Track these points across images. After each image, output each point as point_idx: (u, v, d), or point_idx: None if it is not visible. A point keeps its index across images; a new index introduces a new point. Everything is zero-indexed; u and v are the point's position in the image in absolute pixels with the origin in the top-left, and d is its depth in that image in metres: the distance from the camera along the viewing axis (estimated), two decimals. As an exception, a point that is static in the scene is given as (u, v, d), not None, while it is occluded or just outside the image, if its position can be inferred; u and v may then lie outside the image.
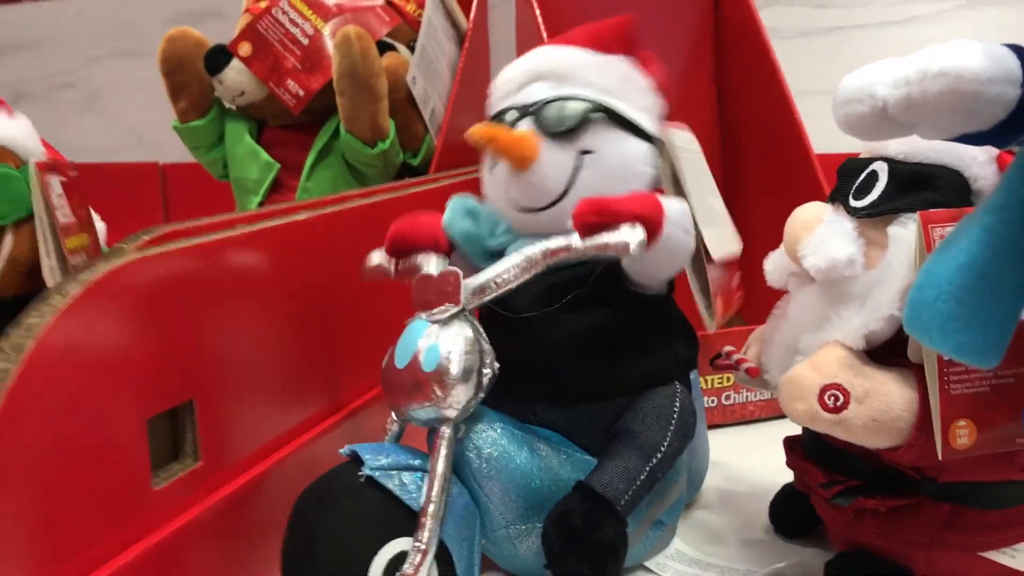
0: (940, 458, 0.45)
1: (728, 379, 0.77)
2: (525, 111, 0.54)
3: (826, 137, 0.86)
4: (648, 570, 0.55)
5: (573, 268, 0.51)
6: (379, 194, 0.71)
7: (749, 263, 0.85)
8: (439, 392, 0.47)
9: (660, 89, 0.57)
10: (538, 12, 0.83)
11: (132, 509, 0.44)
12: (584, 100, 0.53)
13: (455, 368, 0.47)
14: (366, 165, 0.91)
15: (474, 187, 0.84)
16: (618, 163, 0.53)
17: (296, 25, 0.91)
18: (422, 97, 0.95)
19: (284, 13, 0.91)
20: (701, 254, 0.56)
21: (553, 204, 0.53)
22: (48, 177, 0.55)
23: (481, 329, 0.49)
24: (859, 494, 0.50)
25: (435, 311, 0.49)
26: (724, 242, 0.58)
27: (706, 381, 0.76)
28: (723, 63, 0.99)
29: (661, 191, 0.55)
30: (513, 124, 0.54)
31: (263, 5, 0.93)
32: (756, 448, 0.73)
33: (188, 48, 0.93)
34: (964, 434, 0.45)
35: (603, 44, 0.56)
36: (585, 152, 0.53)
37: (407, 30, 0.99)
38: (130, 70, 1.41)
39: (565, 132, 0.52)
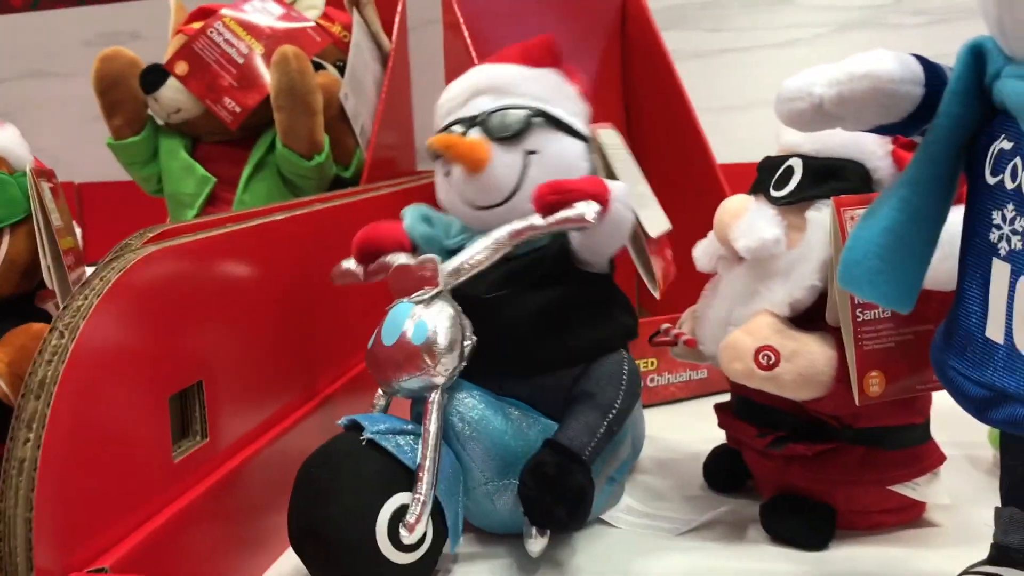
0: (857, 404, 0.53)
1: (652, 363, 0.85)
2: (473, 121, 0.61)
3: (719, 148, 0.96)
4: (604, 522, 0.62)
5: (528, 253, 0.59)
6: (338, 199, 0.77)
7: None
8: (429, 362, 0.53)
9: (584, 95, 0.65)
10: (468, 39, 0.89)
11: (158, 480, 0.48)
12: (525, 108, 0.60)
13: (442, 340, 0.53)
14: (302, 178, 0.96)
15: (403, 196, 0.90)
16: (559, 160, 0.61)
17: (231, 45, 0.96)
18: (353, 113, 1.00)
19: (219, 34, 0.96)
20: (639, 234, 0.63)
21: (506, 201, 0.60)
22: (42, 182, 0.58)
23: (459, 307, 0.56)
24: (790, 441, 0.58)
25: (416, 295, 0.55)
26: (657, 221, 0.66)
27: (634, 364, 0.83)
28: (629, 82, 1.08)
29: None
30: (463, 134, 0.60)
31: (196, 27, 0.97)
32: (681, 424, 0.81)
33: (122, 67, 0.96)
34: (876, 383, 0.54)
35: (534, 59, 0.64)
36: (530, 152, 0.60)
37: (334, 50, 1.05)
38: (45, 90, 1.41)
39: (511, 136, 0.60)
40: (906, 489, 0.58)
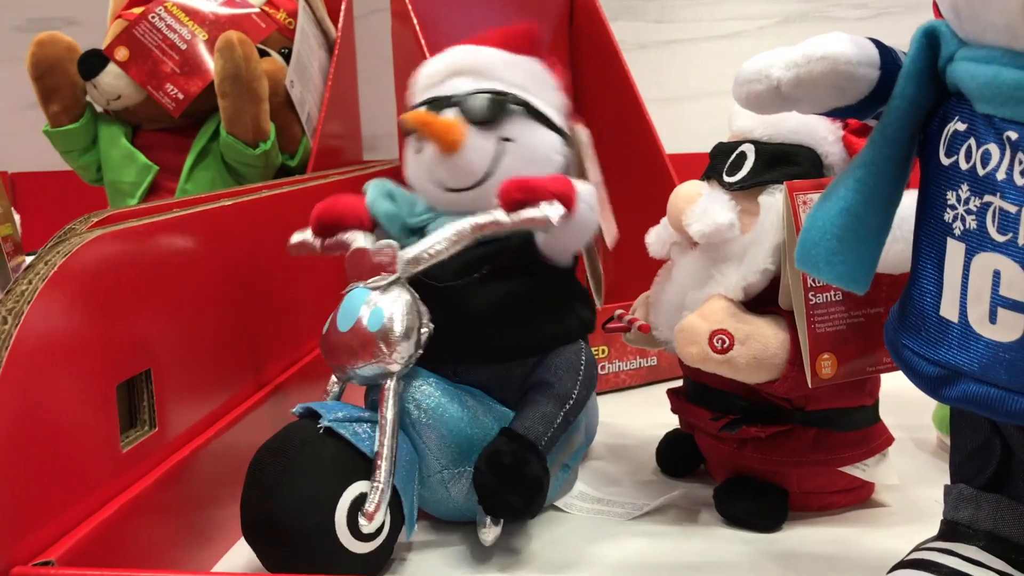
0: (809, 386, 0.54)
1: (604, 350, 0.85)
2: (449, 101, 0.59)
3: (665, 139, 0.97)
4: (559, 509, 0.62)
5: (491, 242, 0.57)
6: (286, 186, 0.76)
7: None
8: (385, 349, 0.52)
9: (563, 89, 0.64)
10: (418, 28, 0.89)
11: (105, 469, 0.47)
12: (504, 93, 0.59)
13: (398, 327, 0.53)
14: (247, 166, 0.94)
15: (351, 184, 0.89)
16: (534, 151, 0.60)
17: (173, 31, 0.94)
18: (299, 101, 0.99)
19: (161, 19, 0.94)
20: (596, 241, 0.63)
21: (476, 185, 0.59)
22: (-21, 166, 0.56)
23: (416, 294, 0.55)
24: (743, 424, 0.58)
25: (372, 280, 0.54)
26: (611, 228, 0.66)
27: (585, 353, 0.84)
28: (578, 73, 1.08)
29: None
30: (438, 113, 0.59)
31: (137, 11, 0.95)
32: (632, 410, 0.82)
33: (59, 52, 0.93)
34: (828, 365, 0.54)
35: (515, 46, 0.63)
36: (505, 140, 0.59)
37: (278, 37, 1.03)
38: (-27, 78, 1.37)
39: (488, 121, 0.58)
40: (856, 470, 0.59)
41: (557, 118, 0.62)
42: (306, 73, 1.02)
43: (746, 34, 1.25)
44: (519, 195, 0.53)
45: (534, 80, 0.62)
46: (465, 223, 0.54)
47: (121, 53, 0.92)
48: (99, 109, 0.98)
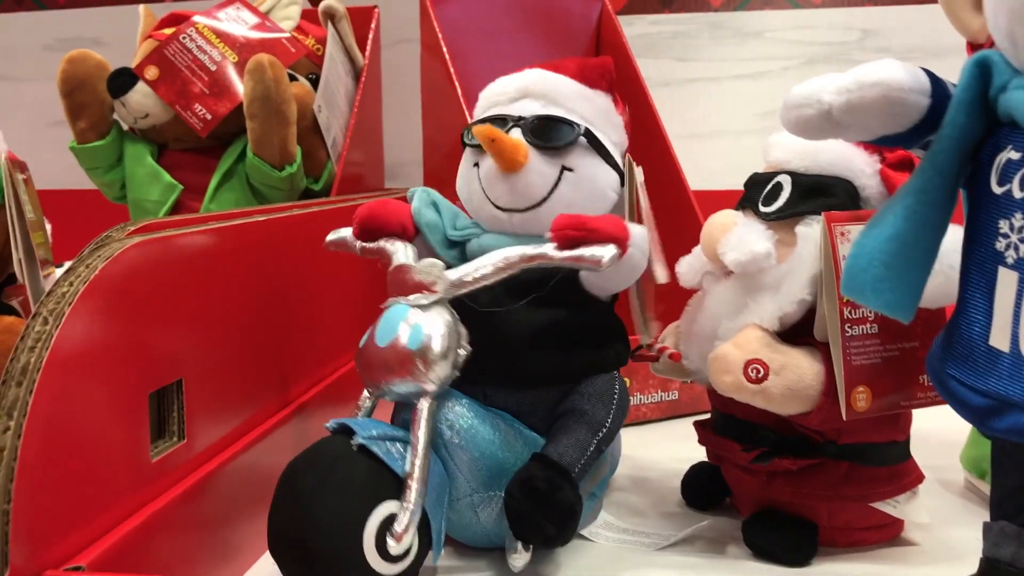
0: (844, 419, 0.53)
1: (626, 383, 0.84)
2: (517, 121, 0.59)
3: (688, 175, 0.97)
4: (584, 538, 0.61)
5: (536, 271, 0.56)
6: (315, 206, 0.76)
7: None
8: (422, 368, 0.52)
9: (627, 128, 0.65)
10: (449, 60, 0.89)
11: (135, 478, 0.47)
12: (573, 122, 0.59)
13: (437, 346, 0.52)
14: (272, 188, 0.94)
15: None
16: (592, 184, 0.60)
17: (204, 52, 0.94)
18: (326, 125, 0.99)
19: (192, 40, 0.94)
20: (648, 278, 0.63)
21: (530, 209, 0.58)
22: (16, 173, 0.56)
23: (456, 316, 0.54)
24: (774, 455, 0.57)
25: (414, 297, 0.54)
26: (662, 270, 0.66)
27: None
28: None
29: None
30: (506, 132, 0.58)
31: (168, 32, 0.95)
32: (655, 443, 0.81)
33: (89, 69, 0.94)
34: (863, 398, 0.54)
35: (590, 79, 0.62)
36: (567, 168, 0.59)
37: (307, 63, 1.04)
38: (3, 95, 1.37)
39: (555, 147, 0.58)
40: (887, 506, 0.58)
41: (617, 155, 0.62)
42: (333, 99, 1.03)
43: (769, 74, 1.25)
44: (574, 233, 0.53)
45: (601, 115, 0.62)
46: (514, 252, 0.54)
47: (151, 72, 0.93)
48: (126, 127, 0.98)
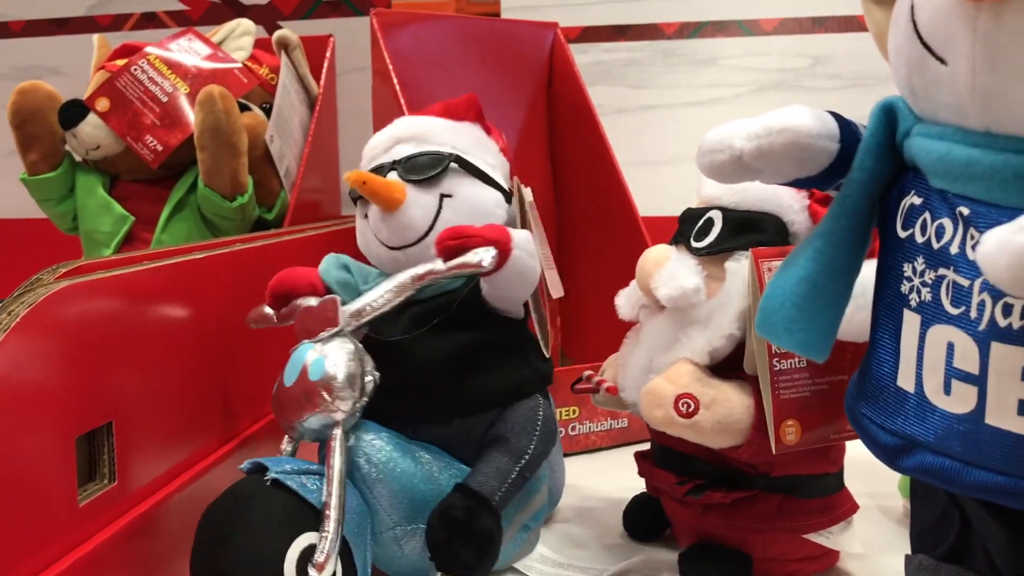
0: (774, 452, 0.54)
1: (574, 411, 0.85)
2: (392, 166, 0.62)
3: (641, 201, 0.98)
4: (516, 571, 0.61)
5: (438, 296, 0.59)
6: (260, 240, 0.76)
7: (583, 307, 0.95)
8: (327, 396, 0.53)
9: (504, 152, 0.67)
10: (398, 87, 0.90)
11: (62, 524, 0.47)
12: (441, 152, 0.62)
13: (340, 373, 0.53)
14: (223, 219, 0.94)
15: (327, 239, 0.90)
16: (474, 206, 0.62)
17: (155, 83, 0.94)
18: (278, 155, 1.00)
19: (143, 71, 0.94)
20: (539, 291, 0.64)
21: (419, 241, 0.60)
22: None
23: (359, 344, 0.55)
24: (707, 488, 0.58)
25: (318, 335, 0.55)
26: (556, 284, 0.68)
27: (556, 413, 0.84)
28: (556, 135, 1.09)
29: None
30: (383, 176, 0.61)
31: (120, 63, 0.95)
32: (602, 471, 0.81)
33: (40, 101, 0.93)
34: (792, 432, 0.55)
35: (455, 114, 0.66)
36: (445, 196, 0.61)
37: (260, 92, 1.04)
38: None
39: (427, 179, 0.61)
40: (820, 537, 0.59)
41: (498, 176, 0.64)
42: (286, 128, 1.03)
43: (723, 101, 1.27)
44: (453, 242, 0.55)
45: (474, 143, 0.65)
46: (405, 275, 0.56)
47: (102, 104, 0.93)
48: (78, 158, 0.98)
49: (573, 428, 0.85)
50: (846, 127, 0.43)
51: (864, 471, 0.65)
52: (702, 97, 1.27)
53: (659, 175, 1.24)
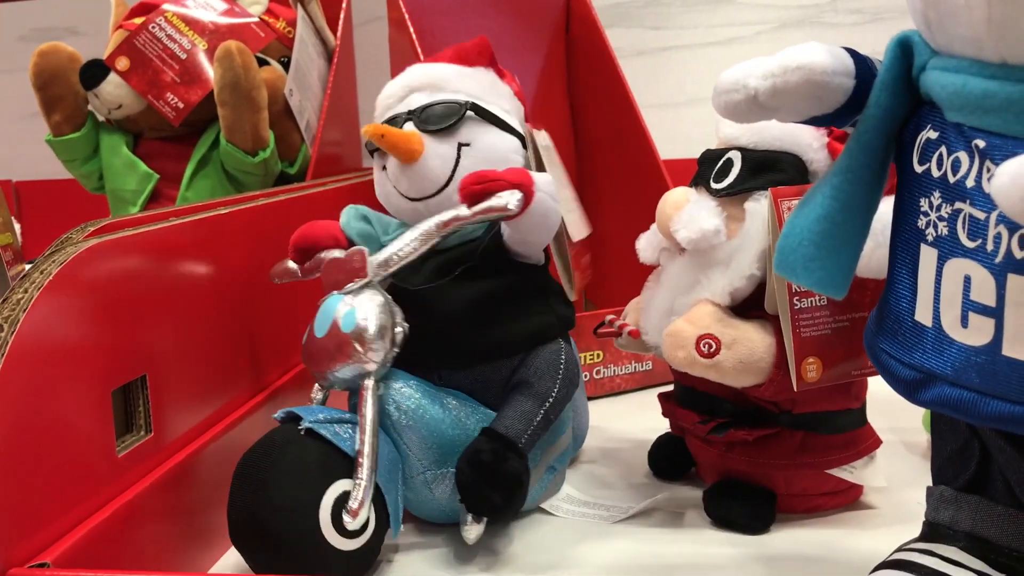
0: (795, 390, 0.55)
1: (599, 355, 0.86)
2: (408, 116, 0.62)
3: (661, 144, 0.98)
4: (544, 511, 0.63)
5: (461, 245, 0.59)
6: (283, 194, 0.77)
7: (605, 251, 0.95)
8: (359, 348, 0.54)
9: (518, 95, 0.67)
10: (414, 35, 0.90)
11: (101, 474, 0.48)
12: (456, 100, 0.62)
13: (372, 326, 0.54)
14: (246, 174, 0.95)
15: (349, 192, 0.90)
16: (492, 152, 0.62)
17: (173, 40, 0.95)
18: (298, 109, 1.00)
19: (161, 29, 0.95)
20: (563, 234, 0.65)
21: (439, 191, 0.61)
22: (-21, 177, 0.57)
23: (388, 295, 0.56)
24: (730, 427, 0.59)
25: (346, 287, 0.56)
26: (578, 225, 0.68)
27: (580, 358, 0.84)
28: (574, 79, 1.09)
29: None
30: (399, 126, 0.61)
31: (138, 22, 0.96)
32: (627, 413, 0.82)
33: (61, 62, 0.94)
34: (813, 369, 0.55)
35: (468, 60, 0.65)
36: (463, 144, 0.61)
37: (278, 46, 1.04)
38: (-21, 88, 1.38)
39: (444, 128, 0.61)
40: (843, 472, 0.59)
41: (514, 121, 0.64)
42: (305, 81, 1.03)
43: (742, 40, 1.25)
44: (477, 187, 0.55)
45: (488, 88, 0.64)
46: (430, 222, 0.56)
47: (122, 63, 0.94)
48: (101, 118, 0.99)
49: (598, 372, 0.86)
50: (862, 63, 0.43)
51: (888, 407, 0.65)
52: (721, 36, 1.25)
53: (679, 117, 1.23)
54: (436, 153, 0.60)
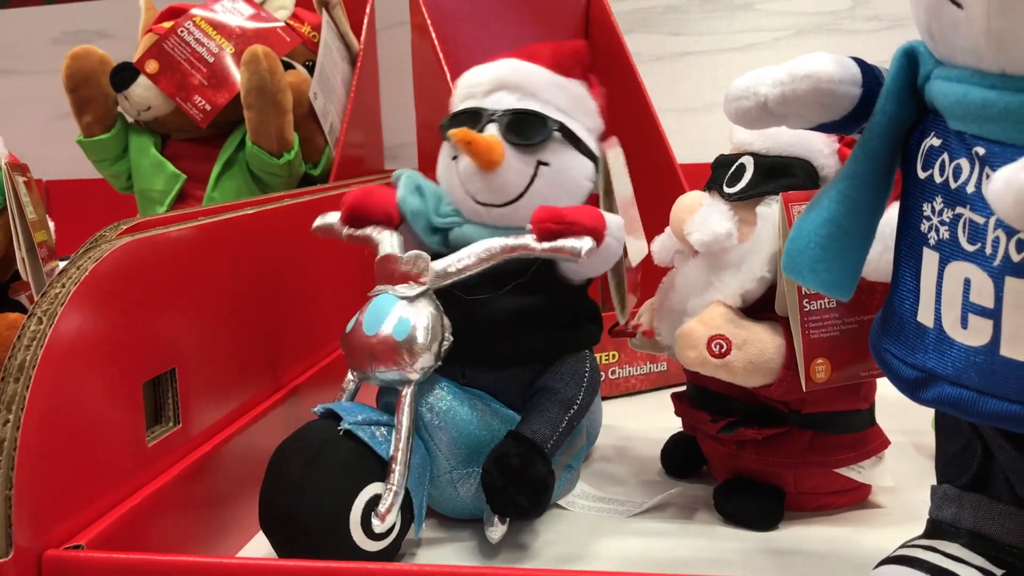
0: (804, 390, 0.56)
1: (614, 355, 0.87)
2: (492, 116, 0.60)
3: (679, 149, 0.99)
4: (561, 507, 0.64)
5: (516, 260, 0.58)
6: (307, 195, 0.79)
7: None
8: (407, 359, 0.55)
9: (602, 112, 0.66)
10: (436, 41, 0.91)
11: (132, 463, 0.50)
12: (547, 117, 0.60)
13: (422, 338, 0.55)
14: (271, 175, 0.97)
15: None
16: (567, 177, 0.61)
17: (201, 44, 0.97)
18: (322, 112, 1.02)
19: (190, 33, 0.97)
20: (622, 262, 0.65)
21: (508, 204, 0.60)
22: (16, 175, 0.59)
23: (441, 307, 0.57)
24: (740, 426, 0.60)
25: (401, 288, 0.57)
26: (640, 250, 0.68)
27: (596, 358, 0.86)
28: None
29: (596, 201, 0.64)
30: (480, 127, 0.60)
31: (167, 26, 0.98)
32: (641, 413, 0.84)
33: (92, 64, 0.97)
34: (822, 370, 0.56)
35: (564, 67, 0.63)
36: (542, 163, 0.60)
37: (303, 50, 1.06)
38: (12, 89, 1.41)
39: (529, 144, 0.60)
40: (851, 472, 0.61)
41: (592, 143, 0.63)
42: (329, 85, 1.05)
43: (760, 46, 1.27)
44: (554, 227, 0.55)
45: (576, 104, 0.63)
46: (496, 243, 0.57)
47: (151, 66, 0.96)
48: (130, 120, 1.01)
49: (613, 372, 0.88)
50: (868, 72, 0.44)
51: (899, 409, 0.66)
52: (740, 42, 1.27)
53: (698, 122, 1.25)
54: (514, 167, 0.60)
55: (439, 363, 0.57)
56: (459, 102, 0.64)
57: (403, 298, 0.56)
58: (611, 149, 0.66)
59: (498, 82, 0.62)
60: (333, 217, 0.62)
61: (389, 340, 0.55)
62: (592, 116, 0.65)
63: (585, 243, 0.55)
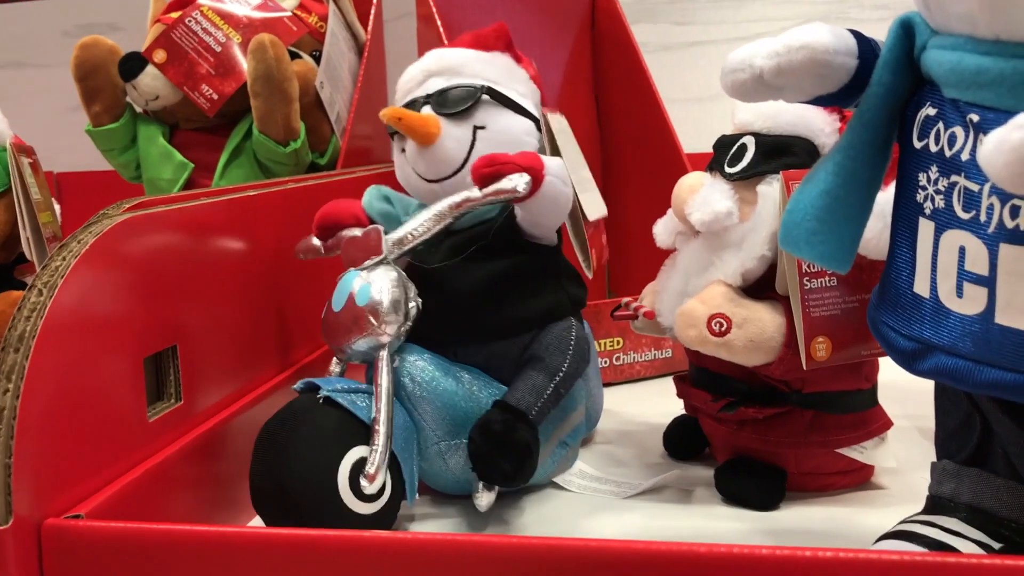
0: (804, 368, 0.56)
1: (619, 342, 0.87)
2: (425, 100, 0.64)
3: (686, 138, 0.99)
4: (556, 485, 0.64)
5: (475, 225, 0.61)
6: (311, 180, 0.79)
7: (629, 242, 0.96)
8: (374, 321, 0.56)
9: (535, 79, 0.68)
10: (442, 30, 0.92)
11: (133, 437, 0.50)
12: (472, 85, 0.64)
13: (385, 299, 0.57)
14: (278, 164, 0.98)
15: (376, 180, 0.92)
16: (506, 136, 0.64)
17: (209, 34, 0.97)
18: (328, 101, 1.02)
19: (197, 23, 0.98)
20: (579, 214, 0.66)
21: (455, 173, 0.63)
22: (21, 157, 0.60)
23: (401, 271, 0.59)
24: (741, 405, 0.60)
25: (363, 263, 0.59)
26: (595, 205, 0.69)
27: (600, 344, 0.86)
28: (600, 74, 1.10)
29: None
30: (417, 110, 0.63)
31: (175, 16, 0.99)
32: (645, 398, 0.84)
33: (101, 55, 0.97)
34: (822, 348, 0.56)
35: (485, 44, 0.67)
36: (478, 127, 0.63)
37: (309, 40, 1.07)
38: (23, 81, 1.42)
39: (460, 111, 0.63)
40: (853, 452, 0.61)
41: (528, 105, 0.66)
42: (336, 74, 1.06)
43: (767, 35, 1.26)
44: (488, 169, 0.57)
45: (504, 73, 0.66)
46: (443, 204, 0.59)
47: (159, 55, 0.96)
48: (138, 109, 1.02)
49: (617, 358, 0.88)
50: (865, 43, 0.44)
51: (904, 393, 0.66)
52: (747, 32, 1.26)
53: (705, 112, 1.24)
54: (452, 136, 0.62)
55: (409, 324, 0.58)
56: (400, 100, 0.67)
57: (363, 269, 0.58)
58: (553, 114, 0.68)
59: (427, 72, 0.66)
60: (308, 240, 0.66)
61: (354, 309, 0.57)
62: (524, 82, 0.67)
63: (522, 179, 0.56)
